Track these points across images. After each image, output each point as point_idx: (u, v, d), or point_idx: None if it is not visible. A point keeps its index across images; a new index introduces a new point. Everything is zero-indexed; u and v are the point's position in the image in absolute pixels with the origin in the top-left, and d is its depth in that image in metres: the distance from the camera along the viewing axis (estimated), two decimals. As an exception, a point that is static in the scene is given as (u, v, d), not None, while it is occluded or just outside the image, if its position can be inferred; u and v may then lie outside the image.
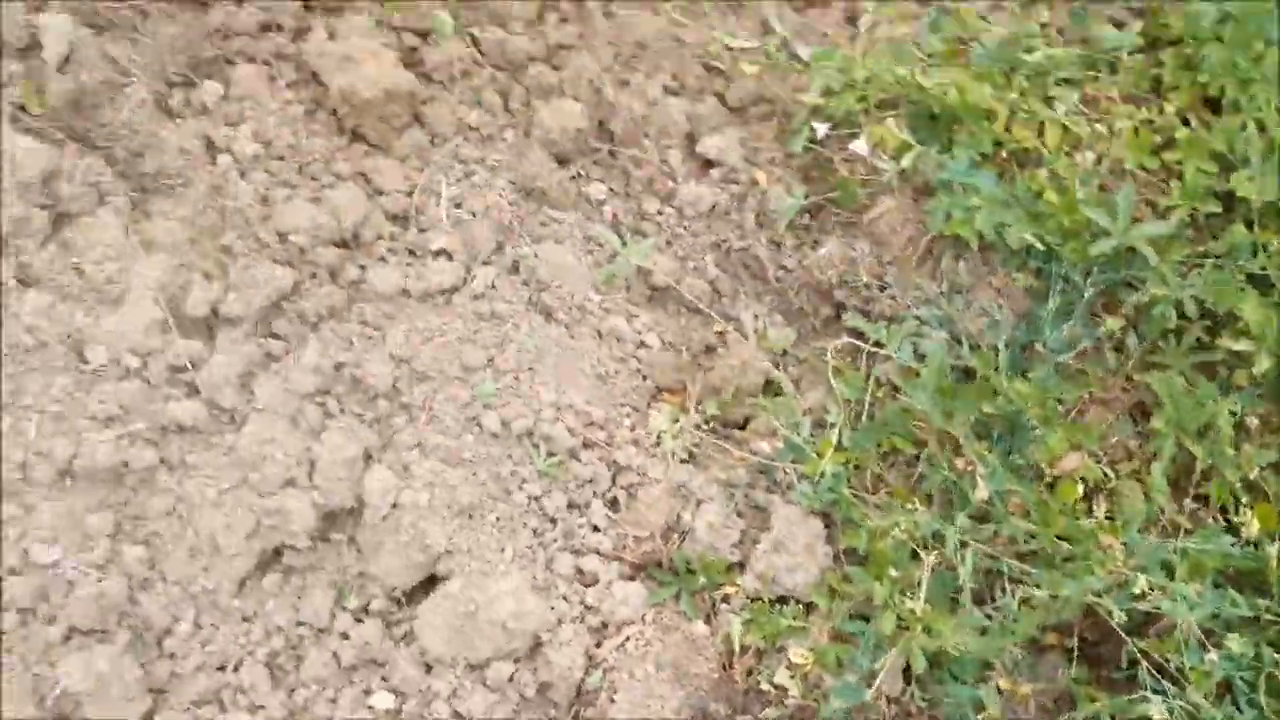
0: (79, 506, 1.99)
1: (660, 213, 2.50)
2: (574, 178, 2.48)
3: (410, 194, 2.33)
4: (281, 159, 2.27)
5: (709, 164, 2.53)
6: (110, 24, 2.27)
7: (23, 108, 2.18)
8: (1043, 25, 2.48)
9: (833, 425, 2.18)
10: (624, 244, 2.38)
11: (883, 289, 2.34)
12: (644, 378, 2.33)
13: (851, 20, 2.71)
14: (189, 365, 2.08)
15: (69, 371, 2.04)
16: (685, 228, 2.49)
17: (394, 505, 2.05)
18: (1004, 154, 2.33)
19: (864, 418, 2.20)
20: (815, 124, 2.42)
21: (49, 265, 2.09)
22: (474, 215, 2.34)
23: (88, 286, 2.11)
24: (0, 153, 2.04)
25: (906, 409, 2.15)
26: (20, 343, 2.03)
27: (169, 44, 2.29)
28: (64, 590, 1.95)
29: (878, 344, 2.27)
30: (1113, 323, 2.25)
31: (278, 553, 2.06)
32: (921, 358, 2.22)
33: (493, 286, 2.28)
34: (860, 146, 2.34)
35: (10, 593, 1.93)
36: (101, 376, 2.05)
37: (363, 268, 2.24)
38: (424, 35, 2.47)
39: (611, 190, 2.50)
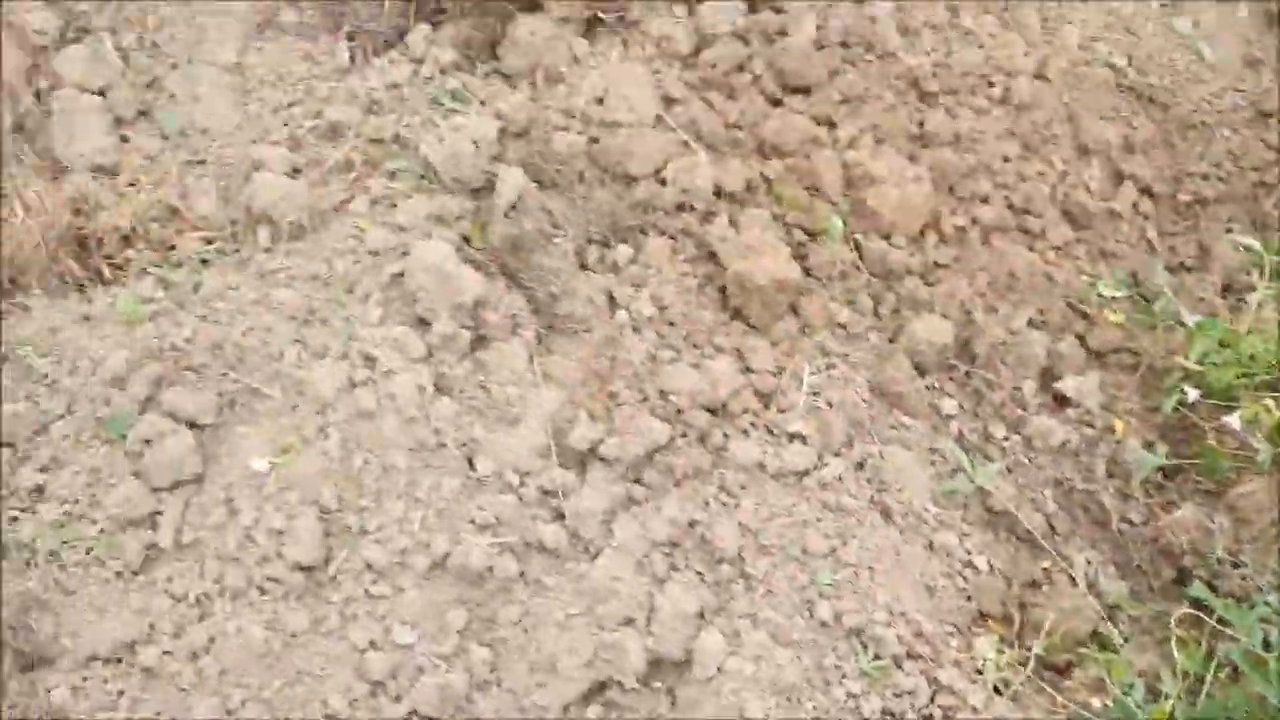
0: (441, 599, 2.18)
1: (1006, 439, 2.55)
2: (929, 388, 2.58)
3: (777, 375, 2.48)
4: (672, 324, 2.49)
5: (1063, 401, 2.58)
6: (553, 183, 2.59)
7: (467, 239, 2.51)
8: None
9: (1167, 696, 2.12)
10: (972, 464, 2.44)
11: (1236, 566, 2.29)
12: (968, 599, 2.35)
13: (1228, 289, 2.73)
14: (561, 493, 2.27)
15: (459, 476, 2.27)
16: (1030, 458, 2.53)
17: (720, 669, 2.13)
18: (1390, 460, 2.26)
19: (1203, 695, 2.13)
20: (1186, 388, 2.43)
21: (463, 379, 2.36)
22: (829, 406, 2.47)
23: (490, 404, 2.36)
24: None
25: (1251, 697, 2.07)
26: (426, 442, 2.28)
27: (597, 207, 2.59)
28: (413, 674, 2.12)
29: (1222, 621, 2.20)
30: None
31: (603, 686, 2.16)
32: (1269, 646, 2.14)
33: (839, 478, 2.39)
34: (1234, 421, 2.33)
35: (368, 664, 2.13)
36: (485, 486, 2.27)
37: (727, 436, 2.39)
38: (813, 235, 2.67)
39: (962, 408, 2.58)
